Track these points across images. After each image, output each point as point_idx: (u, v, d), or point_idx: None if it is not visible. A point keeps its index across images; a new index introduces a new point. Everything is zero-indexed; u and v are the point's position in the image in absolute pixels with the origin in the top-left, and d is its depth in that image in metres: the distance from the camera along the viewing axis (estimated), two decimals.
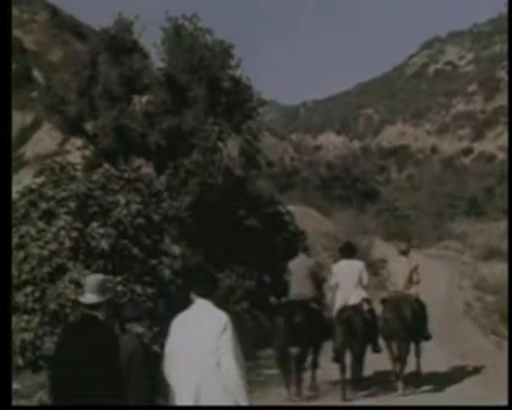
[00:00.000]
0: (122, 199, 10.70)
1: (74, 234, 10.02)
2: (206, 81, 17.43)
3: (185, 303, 11.94)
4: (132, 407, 6.83)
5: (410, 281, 13.26)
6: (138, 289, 10.18)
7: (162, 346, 10.43)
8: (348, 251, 13.15)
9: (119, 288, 10.01)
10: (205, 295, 6.22)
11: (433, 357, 16.34)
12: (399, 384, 12.57)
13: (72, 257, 10.01)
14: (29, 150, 24.83)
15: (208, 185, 16.91)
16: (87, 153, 17.68)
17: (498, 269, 43.01)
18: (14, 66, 19.97)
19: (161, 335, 10.23)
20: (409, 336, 12.69)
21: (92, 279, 6.14)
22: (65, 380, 5.88)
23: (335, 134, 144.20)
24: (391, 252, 47.76)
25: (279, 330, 12.30)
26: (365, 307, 12.59)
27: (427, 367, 14.27)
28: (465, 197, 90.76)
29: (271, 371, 14.60)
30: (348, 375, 12.69)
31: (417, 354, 13.54)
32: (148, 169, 16.97)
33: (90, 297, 5.94)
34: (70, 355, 5.86)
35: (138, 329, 6.46)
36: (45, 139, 22.42)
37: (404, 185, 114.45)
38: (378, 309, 13.39)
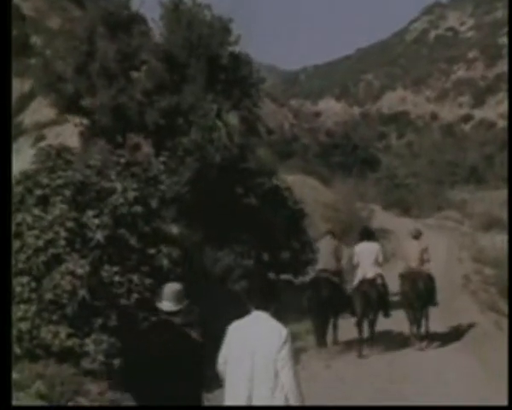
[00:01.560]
0: (119, 186, 10.56)
1: (70, 224, 9.90)
2: (204, 58, 17.17)
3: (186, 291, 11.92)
4: (132, 407, 7.29)
5: (422, 260, 15.53)
6: (136, 279, 10.08)
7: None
8: (367, 235, 15.61)
9: (116, 278, 9.94)
10: (264, 308, 6.36)
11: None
12: (417, 342, 15.41)
13: (68, 247, 9.90)
14: (27, 118, 24.57)
15: (206, 164, 16.73)
16: (84, 130, 17.53)
17: (498, 240, 42.95)
18: (13, 33, 19.69)
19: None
20: (422, 305, 15.47)
21: (169, 288, 6.62)
22: (143, 380, 6.24)
23: (335, 100, 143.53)
24: (390, 221, 47.89)
25: (312, 302, 14.96)
26: (379, 281, 15.00)
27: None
28: (465, 165, 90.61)
29: None
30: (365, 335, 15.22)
31: (426, 317, 15.91)
32: (146, 148, 16.84)
33: (167, 305, 6.52)
34: (148, 357, 6.28)
35: (192, 334, 6.60)
36: (44, 107, 22.20)
37: (403, 152, 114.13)
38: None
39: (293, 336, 13.84)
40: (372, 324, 15.16)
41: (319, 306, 14.69)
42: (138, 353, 6.47)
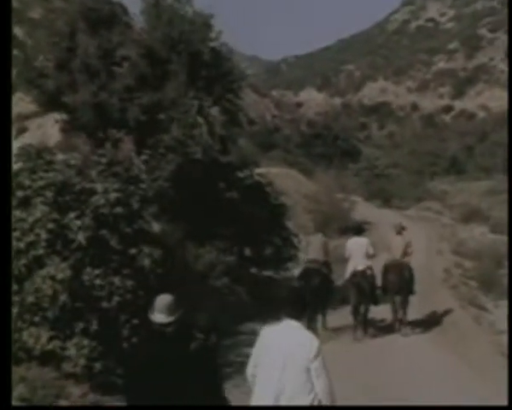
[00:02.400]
0: (100, 187, 10.50)
1: (51, 226, 9.83)
2: (186, 54, 17.10)
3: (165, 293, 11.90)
4: (132, 407, 7.34)
5: (405, 252, 16.86)
6: (117, 281, 10.05)
7: (141, 339, 10.41)
8: (357, 230, 17.41)
9: (97, 281, 9.89)
10: (296, 318, 6.60)
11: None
12: (402, 327, 16.69)
13: (49, 249, 9.84)
14: None
15: (188, 160, 16.69)
16: (65, 125, 17.43)
17: (478, 232, 43.33)
18: None
19: (141, 327, 10.17)
20: (408, 292, 16.80)
21: (161, 300, 6.65)
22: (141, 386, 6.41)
23: (317, 90, 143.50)
24: (371, 213, 48.01)
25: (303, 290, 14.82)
26: (369, 272, 16.39)
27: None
28: (445, 156, 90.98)
29: (251, 349, 14.50)
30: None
31: (406, 307, 17.00)
32: (127, 145, 16.78)
33: (159, 317, 6.53)
34: (144, 367, 6.44)
35: (213, 338, 6.75)
36: (26, 98, 22.01)
37: (384, 143, 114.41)
38: None
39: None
40: (365, 311, 16.52)
41: (310, 294, 14.25)
42: (134, 366, 6.62)
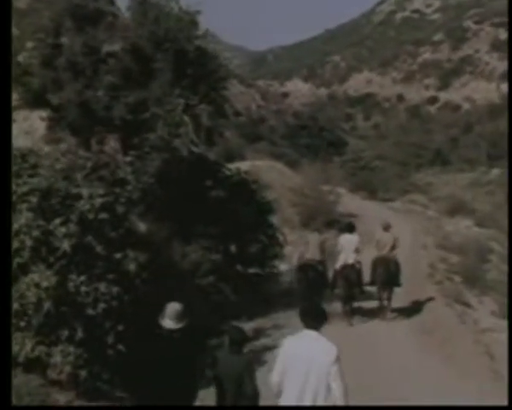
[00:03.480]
0: (85, 192, 10.43)
1: (36, 233, 9.76)
2: (172, 53, 17.00)
3: (151, 298, 11.86)
4: (132, 406, 8.90)
5: (392, 248, 18.34)
6: (102, 288, 10.00)
7: (128, 346, 10.41)
8: (349, 228, 18.42)
9: (83, 288, 9.84)
10: (314, 328, 7.48)
11: (399, 328, 16.82)
12: (388, 314, 18.30)
13: (34, 256, 9.78)
14: None
15: (173, 159, 16.63)
16: (51, 123, 17.33)
17: (463, 226, 43.50)
18: None
19: (126, 333, 10.14)
20: (394, 284, 18.33)
21: (171, 308, 7.64)
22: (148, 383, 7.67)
23: (302, 81, 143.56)
24: (357, 206, 48.08)
25: (301, 284, 17.83)
26: (358, 266, 17.87)
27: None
28: (430, 147, 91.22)
29: None
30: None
31: (390, 297, 18.51)
32: (113, 143, 16.71)
33: (169, 323, 7.56)
34: (152, 367, 7.61)
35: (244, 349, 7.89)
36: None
37: (369, 134, 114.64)
38: None
39: (259, 332, 13.73)
40: (353, 299, 18.13)
41: (307, 287, 17.34)
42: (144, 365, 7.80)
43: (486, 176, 72.84)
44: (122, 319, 10.14)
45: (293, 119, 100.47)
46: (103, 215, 10.43)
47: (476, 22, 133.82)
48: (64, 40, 16.94)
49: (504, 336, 16.28)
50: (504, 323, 18.59)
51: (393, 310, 18.58)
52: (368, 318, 18.34)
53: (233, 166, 41.36)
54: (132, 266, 10.52)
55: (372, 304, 18.77)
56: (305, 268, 17.68)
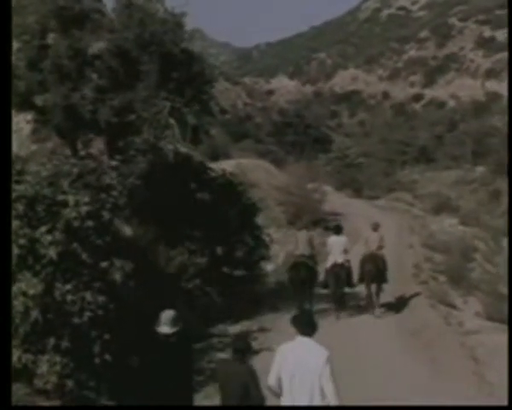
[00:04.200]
0: (71, 199, 10.41)
1: (22, 241, 9.74)
2: (157, 56, 16.96)
3: (137, 305, 11.86)
4: (132, 407, 9.18)
5: (379, 246, 19.50)
6: (88, 296, 9.99)
7: (114, 354, 10.40)
8: (338, 230, 19.60)
9: (69, 297, 9.83)
10: (307, 335, 8.06)
11: (384, 330, 16.89)
12: (377, 309, 19.21)
13: (21, 264, 9.75)
14: None
15: (159, 162, 16.62)
16: (37, 126, 17.26)
17: (448, 224, 43.72)
18: None
19: (112, 342, 10.14)
20: (382, 280, 19.37)
21: (166, 315, 8.34)
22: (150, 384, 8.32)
23: (288, 78, 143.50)
24: (342, 204, 48.16)
25: (293, 281, 18.77)
26: (346, 264, 19.05)
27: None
28: (415, 144, 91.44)
29: (224, 354, 14.50)
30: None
31: (379, 293, 19.52)
32: (99, 145, 16.68)
33: (165, 329, 8.27)
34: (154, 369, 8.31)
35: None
36: None
37: (355, 131, 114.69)
38: None
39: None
40: (342, 296, 19.15)
41: (299, 283, 18.49)
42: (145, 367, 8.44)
43: (471, 174, 73.09)
44: (108, 327, 10.13)
45: (278, 116, 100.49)
46: (89, 223, 10.42)
47: (461, 19, 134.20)
48: (50, 42, 16.84)
49: (488, 338, 16.41)
50: (488, 324, 18.77)
51: (381, 306, 19.48)
52: (357, 314, 19.18)
53: (219, 165, 41.47)
54: (118, 276, 10.51)
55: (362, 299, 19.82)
56: (297, 267, 18.63)
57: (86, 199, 10.53)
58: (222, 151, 50.48)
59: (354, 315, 18.98)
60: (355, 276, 19.52)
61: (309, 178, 46.88)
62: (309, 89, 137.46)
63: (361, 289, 19.75)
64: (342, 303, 19.12)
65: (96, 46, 17.67)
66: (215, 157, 47.36)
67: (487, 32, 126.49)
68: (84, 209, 10.33)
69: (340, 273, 18.86)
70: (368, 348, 15.70)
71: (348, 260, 19.21)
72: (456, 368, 13.70)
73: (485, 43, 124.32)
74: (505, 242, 48.16)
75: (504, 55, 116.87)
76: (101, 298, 10.11)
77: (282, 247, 31.29)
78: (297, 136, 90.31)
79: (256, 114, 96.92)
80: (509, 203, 35.76)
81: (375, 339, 16.56)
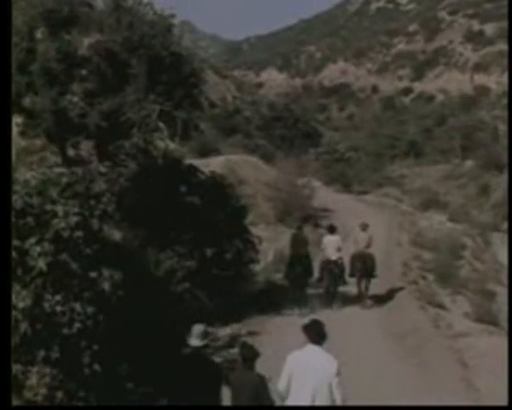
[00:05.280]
0: (60, 209, 10.39)
1: (12, 253, 9.70)
2: (146, 59, 16.90)
3: (126, 315, 11.86)
4: (131, 407, 10.50)
5: (368, 245, 21.30)
6: (78, 307, 9.99)
7: (103, 364, 10.42)
8: (332, 230, 21.39)
9: (58, 308, 9.82)
10: (317, 343, 8.63)
11: (372, 333, 16.96)
12: (366, 301, 20.90)
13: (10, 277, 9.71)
14: None
15: (148, 166, 16.60)
16: (26, 130, 17.17)
17: (436, 221, 43.84)
18: None
19: (101, 353, 10.15)
20: (370, 276, 21.09)
21: (196, 329, 9.12)
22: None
23: (277, 71, 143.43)
24: (331, 200, 48.23)
25: (289, 277, 20.80)
26: (340, 261, 20.79)
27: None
28: (404, 138, 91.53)
29: (217, 358, 14.49)
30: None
31: (367, 287, 21.20)
32: (88, 150, 16.64)
33: (195, 342, 9.01)
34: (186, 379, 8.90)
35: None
36: None
37: (344, 124, 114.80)
38: None
39: (234, 339, 14.32)
40: (336, 290, 20.86)
41: (295, 279, 20.45)
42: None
43: (459, 168, 73.30)
44: (97, 338, 10.14)
45: (268, 110, 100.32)
46: (78, 233, 10.41)
47: (450, 13, 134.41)
48: (38, 45, 16.75)
49: (477, 342, 16.52)
50: (477, 326, 18.88)
51: (370, 298, 21.14)
52: (349, 305, 20.76)
53: (208, 162, 41.41)
54: (107, 286, 10.51)
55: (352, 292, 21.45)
56: (292, 263, 20.65)
57: (75, 209, 10.51)
58: (211, 147, 50.38)
59: (345, 307, 20.46)
60: (346, 272, 21.26)
61: (298, 173, 46.92)
62: (298, 82, 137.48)
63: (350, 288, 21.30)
64: (335, 297, 20.80)
65: (86, 41, 17.54)
66: (205, 153, 47.34)
67: (476, 26, 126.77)
68: (73, 220, 10.31)
69: (334, 270, 20.58)
70: (353, 351, 15.70)
71: (341, 258, 20.91)
72: (444, 374, 13.80)
73: (473, 37, 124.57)
74: (493, 237, 48.50)
75: (493, 48, 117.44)
76: (90, 309, 10.11)
77: (271, 244, 31.32)
78: (286, 130, 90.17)
79: (245, 108, 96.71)
80: (509, 202, 35.88)
81: (361, 343, 16.54)
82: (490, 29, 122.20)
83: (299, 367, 8.56)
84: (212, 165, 41.39)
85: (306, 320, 9.30)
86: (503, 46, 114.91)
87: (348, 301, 21.03)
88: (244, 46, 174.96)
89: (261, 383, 8.77)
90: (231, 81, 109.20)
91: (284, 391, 8.68)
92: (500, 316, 21.73)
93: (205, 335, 9.06)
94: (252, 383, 8.76)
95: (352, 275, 21.30)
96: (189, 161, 31.13)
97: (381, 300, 20.95)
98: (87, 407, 10.26)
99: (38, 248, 9.84)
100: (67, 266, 10.16)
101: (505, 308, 24.94)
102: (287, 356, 8.81)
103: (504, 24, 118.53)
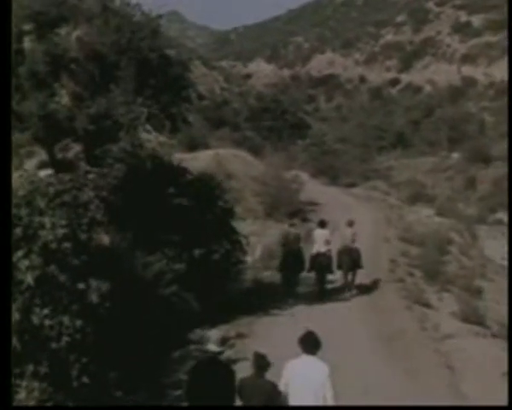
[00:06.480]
0: (48, 222, 10.37)
1: None
2: (134, 62, 16.87)
3: (115, 323, 11.89)
4: (132, 407, 10.48)
5: (353, 240, 22.94)
6: (66, 321, 10.00)
7: (91, 375, 10.45)
8: (322, 224, 22.86)
9: (46, 322, 9.82)
10: (311, 353, 9.36)
11: (358, 337, 16.98)
12: (352, 291, 22.62)
13: None
14: None
15: (136, 169, 16.58)
16: (14, 132, 17.10)
17: (423, 215, 43.93)
18: None
19: (90, 364, 10.16)
20: (356, 268, 22.77)
21: (214, 335, 10.04)
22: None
23: (265, 62, 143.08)
24: (319, 193, 48.24)
25: (281, 265, 22.42)
26: (328, 253, 22.22)
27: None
28: (392, 130, 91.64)
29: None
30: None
31: (354, 278, 23.02)
32: (76, 154, 16.62)
33: (213, 347, 10.06)
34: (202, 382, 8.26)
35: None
36: None
37: (332, 115, 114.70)
38: None
39: (223, 342, 14.56)
40: (324, 281, 22.43)
41: (286, 268, 22.08)
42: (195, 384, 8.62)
43: (446, 161, 73.62)
44: (86, 350, 10.15)
45: (256, 101, 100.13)
46: (66, 245, 10.40)
47: (438, 4, 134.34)
48: (26, 47, 16.69)
49: (464, 344, 16.63)
50: (463, 326, 18.98)
51: (355, 288, 22.78)
52: (336, 294, 22.40)
53: (196, 155, 41.28)
54: (95, 297, 10.51)
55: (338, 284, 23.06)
56: (285, 254, 22.34)
57: (63, 222, 10.49)
58: (200, 141, 50.28)
59: (333, 296, 22.14)
60: (334, 264, 22.77)
61: (286, 166, 46.91)
62: (286, 73, 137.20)
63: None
64: (324, 285, 22.51)
65: (75, 34, 17.45)
66: (193, 147, 47.27)
67: (463, 17, 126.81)
68: (60, 232, 10.30)
69: (323, 261, 22.13)
70: (340, 356, 15.68)
71: (330, 250, 22.45)
72: (431, 380, 13.83)
73: (461, 28, 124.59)
74: (480, 230, 48.75)
75: (480, 40, 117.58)
76: (78, 322, 10.12)
77: (259, 238, 31.35)
78: (274, 121, 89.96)
79: (233, 99, 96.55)
80: (508, 201, 36.05)
81: (347, 348, 16.31)
82: (477, 20, 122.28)
83: (295, 376, 9.35)
84: (200, 159, 41.48)
85: (298, 326, 10.59)
86: (491, 38, 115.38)
87: (335, 292, 22.60)
88: (232, 36, 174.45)
89: (273, 391, 9.27)
90: (219, 72, 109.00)
91: (281, 400, 9.36)
92: (486, 314, 21.83)
93: (222, 341, 9.48)
94: (265, 391, 9.25)
95: (339, 267, 22.87)
96: (177, 155, 31.25)
97: (369, 300, 20.98)
98: (87, 406, 10.33)
99: (26, 262, 9.83)
100: (55, 278, 10.14)
101: (491, 304, 25.17)
102: (285, 363, 9.53)
103: (492, 15, 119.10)
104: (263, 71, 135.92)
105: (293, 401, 9.37)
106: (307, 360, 9.42)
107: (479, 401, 12.52)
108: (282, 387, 9.42)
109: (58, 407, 10.09)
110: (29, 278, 9.75)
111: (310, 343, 9.43)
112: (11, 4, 13.48)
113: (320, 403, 9.24)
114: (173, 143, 42.21)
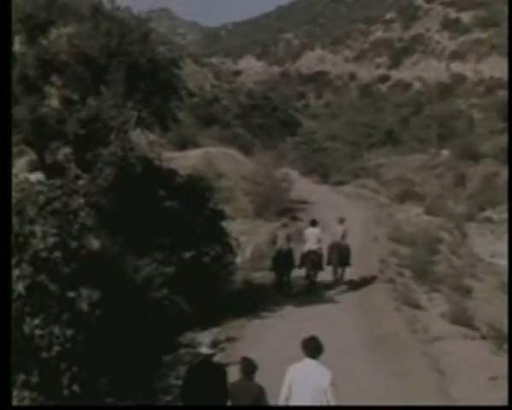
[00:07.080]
0: (39, 230, 10.37)
1: None
2: (124, 66, 16.86)
3: (105, 329, 11.90)
4: (131, 407, 11.11)
5: (344, 236, 23.67)
6: (56, 330, 10.01)
7: (82, 384, 10.46)
8: (313, 223, 23.44)
9: (38, 331, 9.83)
10: (313, 358, 9.64)
11: (348, 340, 17.01)
12: (341, 285, 23.29)
13: None
14: None
15: (126, 172, 16.57)
16: None
17: (413, 213, 44.05)
18: None
19: (80, 373, 10.17)
20: (345, 264, 23.58)
21: (204, 337, 10.42)
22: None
23: (255, 59, 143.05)
24: (309, 192, 48.27)
25: (273, 264, 23.04)
26: (319, 251, 22.92)
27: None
28: (382, 127, 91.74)
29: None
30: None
31: (343, 274, 23.76)
32: (66, 150, 16.61)
33: (206, 350, 9.55)
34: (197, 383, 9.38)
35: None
36: None
37: (321, 112, 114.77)
38: None
39: (214, 346, 14.61)
40: (315, 276, 23.11)
41: (278, 266, 22.73)
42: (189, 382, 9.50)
43: (436, 158, 73.85)
44: (76, 359, 10.17)
45: (246, 98, 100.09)
46: (57, 254, 10.41)
47: (427, 1, 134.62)
48: (17, 51, 16.64)
49: (453, 346, 16.72)
50: (452, 328, 19.05)
51: (344, 284, 23.42)
52: (326, 289, 23.10)
53: (186, 154, 41.19)
54: (85, 306, 10.53)
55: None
56: (277, 253, 22.82)
57: (53, 230, 10.49)
58: (190, 140, 50.18)
59: (323, 292, 22.86)
60: (325, 261, 23.45)
61: (276, 164, 46.86)
62: (276, 70, 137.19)
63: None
64: (314, 281, 23.16)
65: (65, 30, 17.41)
66: (183, 146, 47.21)
67: (453, 14, 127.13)
68: (51, 241, 10.30)
69: (314, 258, 22.81)
70: (330, 358, 15.68)
71: (321, 248, 23.14)
72: (421, 384, 13.87)
73: (450, 25, 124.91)
74: (470, 228, 48.98)
75: (469, 37, 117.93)
76: (69, 331, 10.14)
77: (249, 238, 31.36)
78: (264, 118, 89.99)
79: (223, 96, 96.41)
80: (508, 201, 36.24)
81: (337, 352, 16.22)
82: (466, 17, 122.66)
83: (297, 379, 9.61)
84: (190, 158, 41.45)
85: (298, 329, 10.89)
86: (480, 34, 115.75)
87: (325, 287, 23.24)
88: (222, 33, 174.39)
89: (260, 394, 9.55)
90: (209, 69, 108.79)
91: (284, 402, 9.68)
92: (476, 315, 21.93)
93: (213, 345, 9.92)
94: (252, 394, 9.52)
95: (328, 263, 23.57)
96: (167, 154, 31.20)
97: (359, 301, 21.04)
98: (87, 406, 10.37)
99: (17, 271, 9.83)
100: (46, 287, 10.15)
101: (480, 304, 25.29)
102: (288, 367, 9.77)
103: (481, 12, 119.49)
104: (253, 68, 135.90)
105: (294, 404, 9.62)
106: (309, 363, 9.69)
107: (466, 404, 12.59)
108: (284, 389, 9.67)
109: (58, 407, 10.12)
110: (20, 287, 9.76)
111: (312, 348, 9.72)
112: (11, 8, 13.44)
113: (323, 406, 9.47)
114: (163, 142, 42.18)
